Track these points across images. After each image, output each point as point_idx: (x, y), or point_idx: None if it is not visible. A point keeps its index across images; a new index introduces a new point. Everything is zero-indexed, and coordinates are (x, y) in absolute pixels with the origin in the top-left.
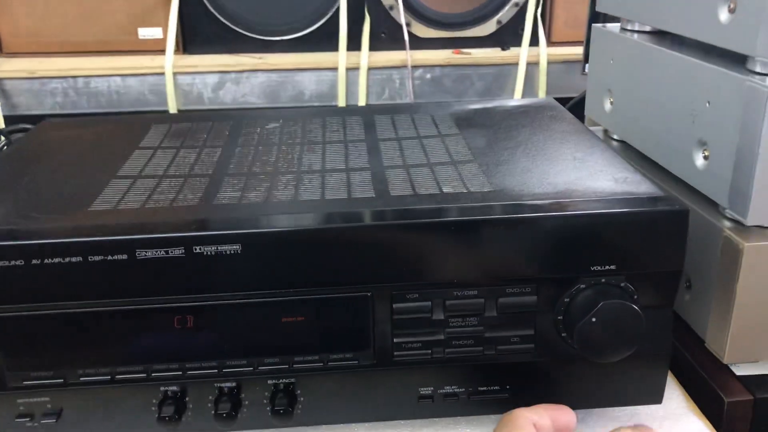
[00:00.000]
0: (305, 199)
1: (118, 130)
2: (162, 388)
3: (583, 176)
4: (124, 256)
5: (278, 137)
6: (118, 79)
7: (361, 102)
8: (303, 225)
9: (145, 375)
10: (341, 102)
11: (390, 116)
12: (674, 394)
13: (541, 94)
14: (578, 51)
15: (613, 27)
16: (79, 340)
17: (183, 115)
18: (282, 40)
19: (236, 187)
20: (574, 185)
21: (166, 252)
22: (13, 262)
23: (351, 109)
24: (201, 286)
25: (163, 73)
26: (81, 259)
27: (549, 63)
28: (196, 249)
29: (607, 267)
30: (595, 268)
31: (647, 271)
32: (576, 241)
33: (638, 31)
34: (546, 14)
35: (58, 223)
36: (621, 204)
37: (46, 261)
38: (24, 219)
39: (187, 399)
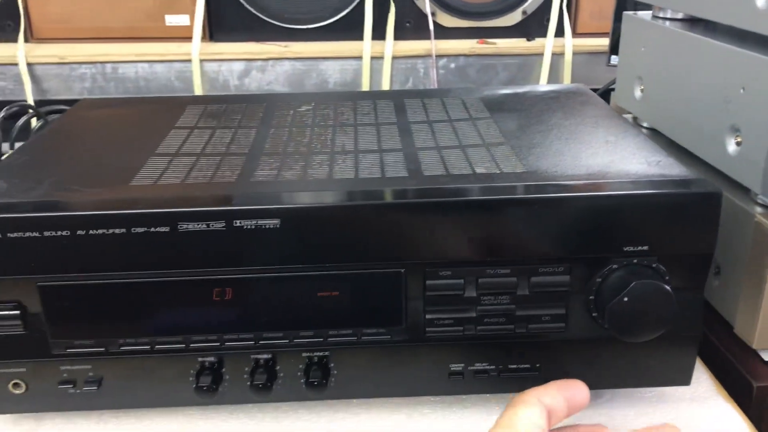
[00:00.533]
0: (340, 177)
1: (153, 110)
2: (200, 359)
3: (616, 159)
4: (166, 229)
5: (311, 119)
6: (145, 65)
7: (385, 89)
8: (339, 201)
9: (183, 345)
10: (365, 88)
11: (420, 99)
12: (702, 377)
13: (566, 83)
14: (603, 42)
15: (645, 15)
16: (120, 310)
17: (216, 97)
18: (307, 29)
19: (272, 165)
20: (607, 167)
21: (207, 225)
22: (59, 233)
23: (381, 93)
24: (239, 260)
25: (189, 60)
26: (124, 230)
27: (574, 54)
28: (236, 223)
29: (639, 248)
30: (627, 248)
31: (679, 252)
32: (609, 222)
33: (670, 19)
34: (572, 5)
35: (101, 196)
36: (654, 186)
37: (90, 232)
38: (68, 192)
39: (223, 370)
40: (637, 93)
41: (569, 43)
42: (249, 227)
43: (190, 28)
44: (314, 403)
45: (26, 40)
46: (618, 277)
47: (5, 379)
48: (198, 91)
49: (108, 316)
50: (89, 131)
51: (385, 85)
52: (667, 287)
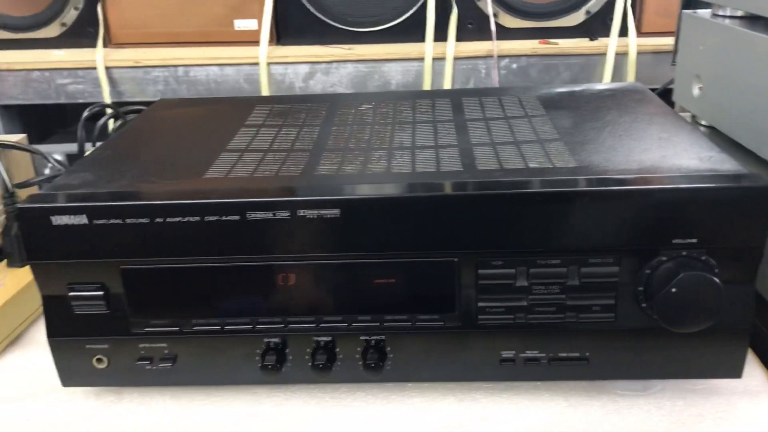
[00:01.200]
0: (397, 171)
1: (224, 109)
2: (265, 340)
3: (668, 155)
4: (236, 217)
5: (371, 117)
6: (215, 68)
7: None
8: (395, 193)
9: (250, 327)
10: (427, 89)
11: (478, 98)
12: (755, 371)
13: None
14: (669, 41)
15: (704, 13)
16: (194, 293)
17: (283, 97)
18: (370, 31)
19: (334, 160)
20: (659, 163)
21: (273, 214)
22: (139, 220)
23: (439, 92)
24: (303, 247)
25: (257, 63)
26: (198, 219)
27: (638, 53)
28: (299, 212)
29: (688, 240)
30: (676, 241)
31: (728, 245)
32: (658, 215)
33: (730, 17)
34: (636, 3)
35: (177, 187)
36: (704, 180)
37: (167, 220)
38: (147, 183)
39: (287, 351)
40: (696, 91)
41: (633, 42)
42: (311, 217)
43: (258, 32)
44: (371, 385)
45: (104, 45)
46: (667, 268)
47: (89, 354)
48: (265, 92)
49: (183, 298)
50: (165, 129)
51: (447, 86)
52: (716, 279)
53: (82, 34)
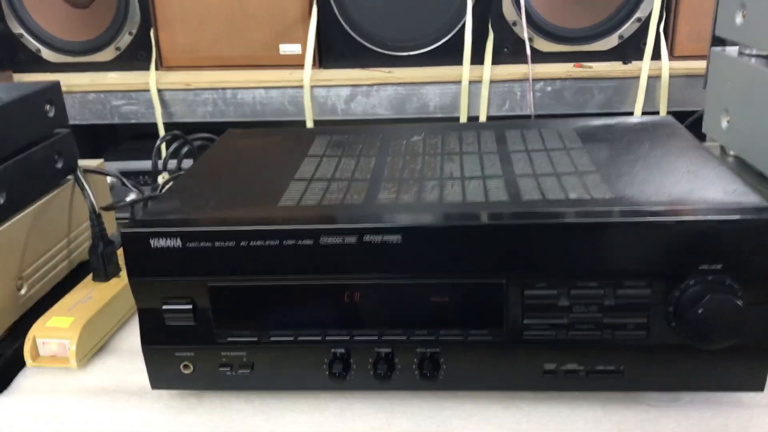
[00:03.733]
0: (449, 201)
1: (288, 140)
2: (332, 350)
3: (696, 188)
4: (310, 242)
5: (422, 148)
6: (261, 91)
7: (482, 113)
8: (450, 223)
9: (320, 338)
10: (463, 114)
11: (520, 130)
12: None
13: (662, 108)
14: (701, 65)
15: (732, 50)
16: (271, 308)
17: (341, 128)
18: (410, 55)
19: (392, 190)
20: (687, 195)
21: (342, 240)
22: (225, 244)
23: (484, 124)
24: (367, 268)
25: (301, 86)
26: (277, 242)
27: (671, 77)
28: (365, 238)
29: (713, 266)
30: (703, 267)
31: (750, 271)
32: (686, 243)
33: (756, 56)
34: (669, 28)
35: (258, 214)
36: (727, 212)
37: (250, 244)
38: (230, 210)
39: (351, 360)
40: (724, 123)
41: (666, 66)
42: (375, 242)
43: (302, 56)
44: (426, 393)
45: (156, 68)
46: (694, 291)
47: (178, 361)
48: (308, 115)
49: (261, 312)
50: (237, 159)
51: (483, 109)
52: (738, 301)
53: (135, 57)
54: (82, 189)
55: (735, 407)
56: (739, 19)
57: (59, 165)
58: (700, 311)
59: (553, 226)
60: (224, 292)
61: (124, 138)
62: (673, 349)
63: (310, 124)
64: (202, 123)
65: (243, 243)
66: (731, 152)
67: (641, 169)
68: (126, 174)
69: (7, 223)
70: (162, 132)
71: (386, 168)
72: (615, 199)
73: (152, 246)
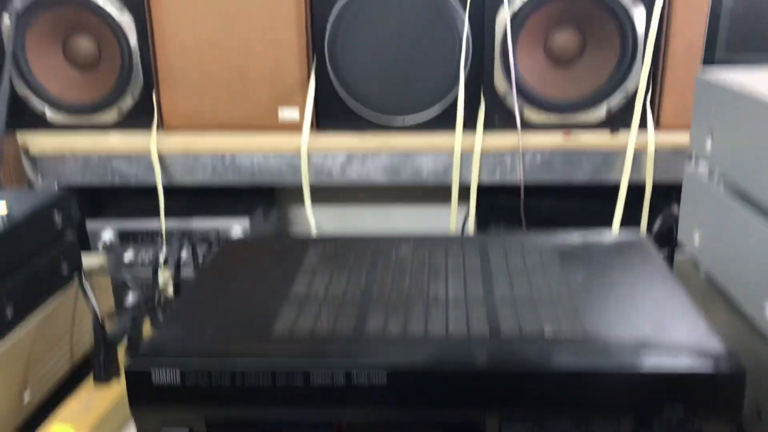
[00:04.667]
0: (433, 334)
1: (283, 250)
2: None
3: (662, 324)
4: (301, 383)
5: (409, 264)
6: (260, 155)
7: (474, 181)
8: (432, 366)
9: None
10: (455, 180)
11: (503, 246)
12: None
13: (648, 180)
14: (686, 138)
15: (704, 169)
16: None
17: (332, 238)
18: (404, 121)
19: (379, 319)
20: (653, 334)
21: (331, 377)
22: (221, 382)
23: (470, 239)
24: (354, 403)
25: (299, 153)
26: (270, 383)
27: (657, 150)
28: (353, 377)
29: (676, 406)
30: (666, 407)
31: (709, 413)
32: (650, 389)
33: (723, 181)
34: (655, 101)
35: (251, 349)
36: (688, 360)
37: (245, 382)
38: (226, 343)
39: None
40: (696, 240)
41: (652, 138)
42: (362, 378)
43: (300, 120)
44: None
45: (158, 130)
46: (658, 429)
47: None
48: (305, 180)
49: None
50: (235, 276)
51: (474, 177)
52: None
53: (137, 118)
54: (86, 296)
55: None
56: (708, 144)
57: (64, 271)
58: None
59: (528, 373)
60: (221, 422)
61: (124, 193)
62: None
63: (306, 190)
64: (224, 244)
65: (238, 381)
66: (702, 270)
67: (612, 300)
68: (125, 234)
69: (13, 334)
70: (161, 194)
71: (375, 287)
72: (585, 338)
73: (153, 381)
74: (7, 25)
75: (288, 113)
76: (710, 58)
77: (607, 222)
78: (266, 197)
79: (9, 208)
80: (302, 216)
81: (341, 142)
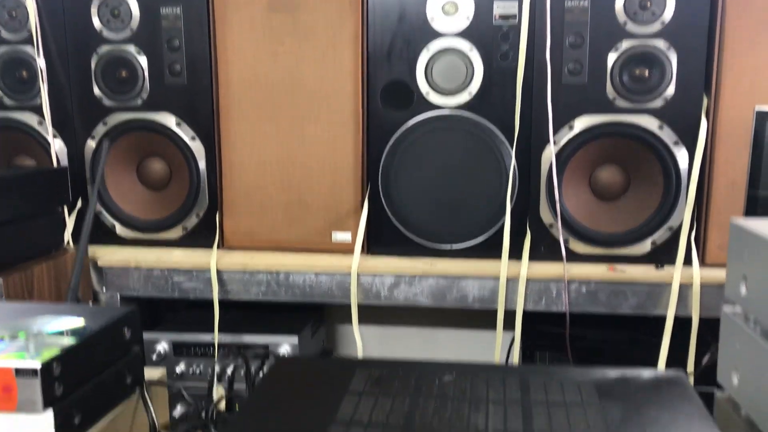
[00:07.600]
0: None
1: (330, 372)
2: None
3: None
4: None
5: (452, 391)
6: (312, 275)
7: (519, 310)
8: None
9: None
10: (500, 309)
11: (543, 379)
12: None
13: (695, 314)
14: None
15: (740, 311)
16: None
17: (377, 361)
18: (451, 248)
19: None
20: None
21: None
22: None
23: (510, 369)
24: None
25: (349, 273)
26: None
27: (702, 285)
28: None
29: None
30: None
31: None
32: None
33: (759, 325)
34: (700, 236)
35: None
36: None
37: None
38: None
39: None
40: (735, 380)
41: (697, 273)
42: None
43: (352, 244)
44: None
45: (218, 248)
46: None
47: None
48: (354, 300)
49: None
50: (284, 396)
51: (519, 306)
52: None
53: (199, 236)
54: (146, 407)
55: None
56: (743, 289)
57: (128, 381)
58: None
59: None
60: None
61: (181, 305)
62: None
63: (354, 309)
64: (275, 361)
65: None
66: (742, 410)
67: None
68: (179, 345)
69: None
70: (217, 310)
71: (418, 414)
72: None
73: None
74: (91, 148)
75: (341, 236)
76: (754, 196)
77: (654, 354)
78: (316, 315)
79: (86, 321)
80: (349, 334)
81: (389, 264)
